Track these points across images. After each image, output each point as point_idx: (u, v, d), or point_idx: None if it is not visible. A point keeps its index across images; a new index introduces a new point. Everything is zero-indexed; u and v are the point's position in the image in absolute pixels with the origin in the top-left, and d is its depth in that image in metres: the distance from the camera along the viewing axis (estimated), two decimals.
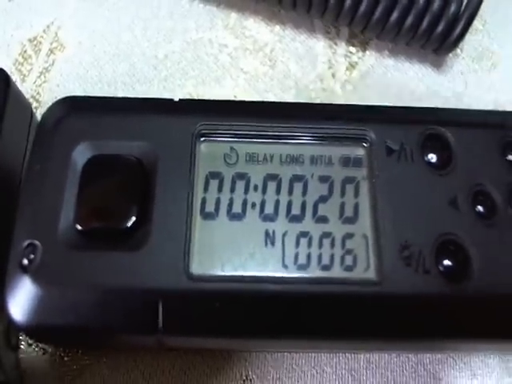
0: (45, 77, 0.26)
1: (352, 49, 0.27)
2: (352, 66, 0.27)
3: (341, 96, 0.26)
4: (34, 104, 0.25)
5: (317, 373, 0.22)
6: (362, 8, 0.23)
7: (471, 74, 0.27)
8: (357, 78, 0.26)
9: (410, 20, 0.23)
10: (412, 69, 0.27)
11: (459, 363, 0.22)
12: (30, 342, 0.22)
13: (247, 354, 0.22)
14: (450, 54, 0.26)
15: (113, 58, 0.26)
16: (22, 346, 0.22)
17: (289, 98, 0.24)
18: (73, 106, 0.20)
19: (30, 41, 0.27)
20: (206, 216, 0.19)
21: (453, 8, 0.23)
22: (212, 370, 0.22)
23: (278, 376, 0.22)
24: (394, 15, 0.23)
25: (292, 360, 0.22)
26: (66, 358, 0.21)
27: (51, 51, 0.26)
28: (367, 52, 0.27)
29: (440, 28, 0.23)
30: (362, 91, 0.26)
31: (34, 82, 0.26)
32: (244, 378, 0.22)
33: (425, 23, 0.23)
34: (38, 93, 0.25)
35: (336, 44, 0.27)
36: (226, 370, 0.22)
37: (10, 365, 0.21)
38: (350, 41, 0.27)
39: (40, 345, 0.22)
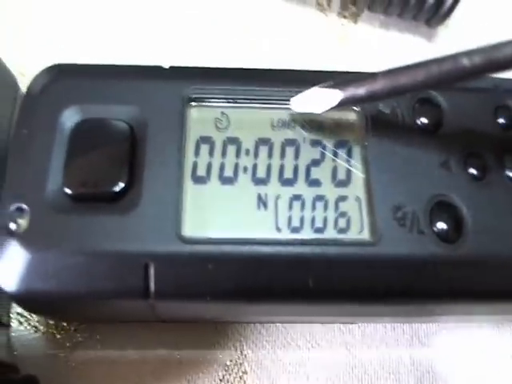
0: (32, 50, 0.25)
1: (343, 21, 0.27)
2: (343, 37, 0.26)
3: (332, 69, 0.26)
4: (20, 78, 0.25)
5: (312, 346, 0.22)
6: None
7: (463, 46, 0.27)
8: (348, 51, 0.26)
9: None
10: (403, 41, 0.27)
11: (454, 335, 0.22)
12: (21, 320, 0.21)
13: (242, 329, 0.22)
14: (442, 26, 0.26)
15: (107, 31, 0.26)
16: (12, 325, 0.21)
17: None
18: (61, 72, 0.19)
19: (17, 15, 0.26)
20: (197, 180, 0.18)
21: None
22: (206, 344, 0.21)
23: (273, 350, 0.22)
24: None
25: (287, 334, 0.22)
26: (58, 336, 0.21)
27: (39, 24, 0.26)
28: (358, 24, 0.27)
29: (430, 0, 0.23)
30: (353, 64, 0.26)
31: (21, 56, 0.25)
32: (239, 352, 0.21)
33: None
34: (24, 67, 0.25)
35: (327, 16, 0.27)
36: (220, 344, 0.21)
37: (1, 343, 0.20)
38: (342, 13, 0.27)
39: (31, 323, 0.21)
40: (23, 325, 0.21)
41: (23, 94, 0.20)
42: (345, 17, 0.27)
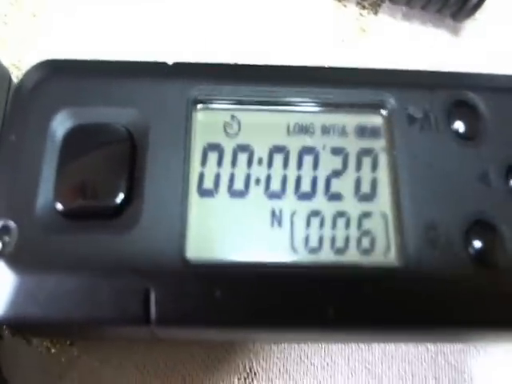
0: (27, 42, 0.24)
1: (363, 12, 0.25)
2: (363, 29, 0.24)
3: (350, 62, 0.23)
4: (15, 72, 0.23)
5: (327, 365, 0.20)
6: None
7: (491, 42, 0.24)
8: (367, 45, 0.24)
9: None
10: (427, 35, 0.25)
11: (481, 353, 0.21)
12: (14, 332, 0.20)
13: (251, 344, 0.20)
14: (469, 20, 0.24)
15: (103, 22, 0.24)
16: (5, 337, 0.20)
17: (294, 63, 0.21)
18: (53, 70, 0.17)
19: (11, 4, 0.24)
20: (204, 193, 0.17)
21: None
22: (212, 361, 0.20)
23: (285, 368, 0.20)
24: None
25: (300, 351, 0.20)
26: (53, 350, 0.20)
27: (34, 14, 0.24)
28: (379, 15, 0.24)
29: None
30: (373, 57, 0.24)
31: (16, 48, 0.23)
32: (248, 370, 0.20)
33: None
34: (19, 60, 0.23)
35: (345, 6, 0.25)
36: (227, 362, 0.20)
37: None
38: (361, 3, 0.25)
39: (25, 335, 0.20)
40: (16, 337, 0.20)
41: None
42: (364, 7, 0.24)
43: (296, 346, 0.20)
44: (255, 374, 0.20)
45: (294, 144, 0.17)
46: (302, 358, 0.20)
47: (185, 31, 0.24)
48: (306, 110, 0.18)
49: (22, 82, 0.17)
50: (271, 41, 0.24)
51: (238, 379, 0.20)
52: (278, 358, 0.20)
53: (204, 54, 0.23)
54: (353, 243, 0.16)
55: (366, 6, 0.25)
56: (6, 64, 0.20)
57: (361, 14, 0.25)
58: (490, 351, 0.21)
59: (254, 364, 0.20)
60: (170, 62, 0.18)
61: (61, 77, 0.17)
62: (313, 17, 0.25)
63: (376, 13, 0.25)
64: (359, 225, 0.16)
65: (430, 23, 0.25)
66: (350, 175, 0.17)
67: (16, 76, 0.23)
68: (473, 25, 0.24)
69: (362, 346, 0.21)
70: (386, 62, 0.24)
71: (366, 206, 0.17)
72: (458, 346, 0.21)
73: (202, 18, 0.24)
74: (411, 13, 0.25)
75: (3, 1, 0.24)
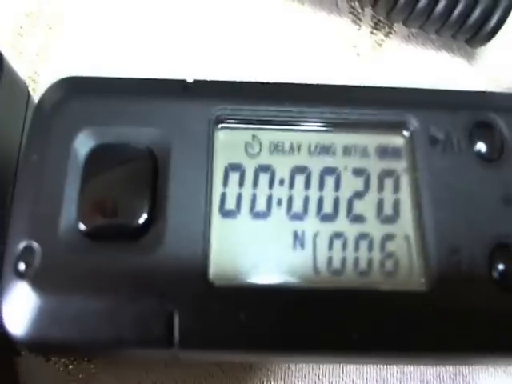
0: (43, 55, 0.24)
1: (378, 26, 0.25)
2: (378, 44, 0.24)
3: (366, 76, 0.24)
4: (32, 85, 0.23)
5: None
6: None
7: (507, 69, 0.24)
8: (383, 58, 0.24)
9: (441, 6, 0.21)
10: (441, 60, 0.24)
11: (500, 373, 0.20)
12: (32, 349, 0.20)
13: (269, 363, 0.20)
14: (484, 47, 0.23)
15: (120, 35, 0.24)
16: (22, 353, 0.20)
17: (310, 78, 0.21)
18: (74, 88, 0.17)
19: (26, 15, 0.24)
20: (226, 214, 0.16)
21: None
22: (230, 380, 0.20)
23: None
24: (423, 1, 0.21)
25: (318, 370, 0.20)
26: (70, 367, 0.20)
27: (50, 27, 0.24)
28: (392, 39, 0.24)
29: (474, 17, 0.21)
30: (389, 72, 0.24)
31: (32, 61, 0.23)
32: None
33: (457, 11, 0.21)
34: (35, 72, 0.23)
35: (361, 20, 0.25)
36: (245, 380, 0.20)
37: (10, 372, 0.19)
38: (374, 27, 0.25)
39: None
40: (34, 353, 0.20)
41: (34, 103, 0.18)
42: (377, 29, 0.24)
43: (314, 364, 0.20)
44: None
45: (316, 164, 0.17)
46: (320, 377, 0.20)
47: (203, 47, 0.24)
48: (327, 129, 0.17)
49: (42, 99, 0.17)
50: (287, 56, 0.24)
51: None
52: (295, 376, 0.20)
53: (222, 72, 0.23)
54: (376, 266, 0.16)
55: (379, 29, 0.24)
56: (22, 76, 0.20)
57: (376, 29, 0.25)
58: (508, 371, 0.21)
59: (272, 383, 0.20)
60: (190, 80, 0.18)
61: (82, 95, 0.17)
62: (328, 31, 0.25)
63: (389, 37, 0.25)
64: (382, 247, 0.16)
65: (444, 48, 0.24)
66: (372, 196, 0.17)
67: (32, 88, 0.23)
68: (487, 52, 0.24)
69: (380, 365, 0.20)
70: (402, 76, 0.24)
71: (388, 228, 0.16)
72: (477, 367, 0.21)
73: (220, 36, 0.24)
74: (425, 37, 0.24)
75: (19, 13, 0.24)
